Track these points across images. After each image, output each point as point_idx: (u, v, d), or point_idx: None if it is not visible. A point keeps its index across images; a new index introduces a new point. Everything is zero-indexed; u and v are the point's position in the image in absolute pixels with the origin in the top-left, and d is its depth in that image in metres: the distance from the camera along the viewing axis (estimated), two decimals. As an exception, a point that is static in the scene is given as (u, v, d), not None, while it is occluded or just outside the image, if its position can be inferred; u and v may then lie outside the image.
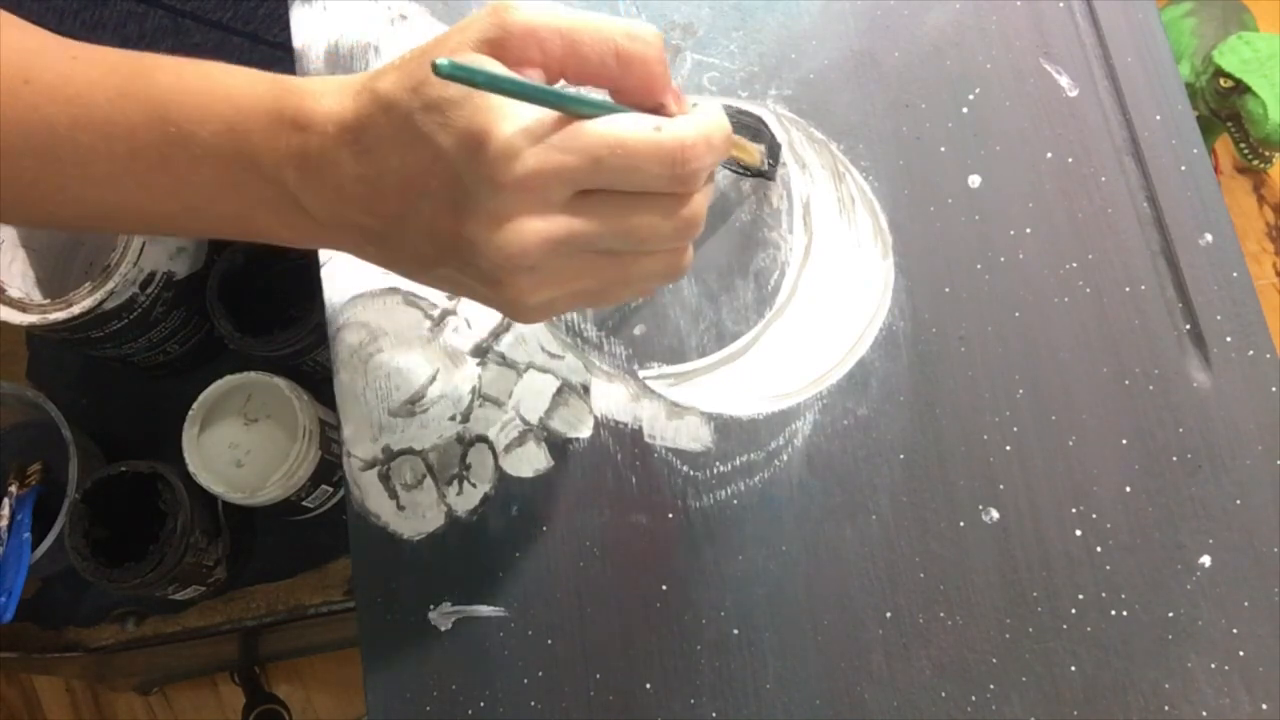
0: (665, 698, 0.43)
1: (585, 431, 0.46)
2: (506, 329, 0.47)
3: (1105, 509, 0.43)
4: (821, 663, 0.43)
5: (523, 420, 0.46)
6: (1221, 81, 1.04)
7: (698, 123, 0.34)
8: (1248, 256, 1.09)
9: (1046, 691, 0.42)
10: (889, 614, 0.43)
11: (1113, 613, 0.42)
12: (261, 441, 0.73)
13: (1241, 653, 0.42)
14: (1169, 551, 0.43)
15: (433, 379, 0.47)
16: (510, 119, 0.31)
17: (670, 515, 0.45)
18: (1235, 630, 0.42)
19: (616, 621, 0.44)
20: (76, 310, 0.70)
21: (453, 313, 0.47)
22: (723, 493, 0.45)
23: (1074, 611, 0.43)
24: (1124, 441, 0.44)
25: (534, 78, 0.33)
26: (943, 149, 0.48)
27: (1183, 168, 0.47)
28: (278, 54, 0.71)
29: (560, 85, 0.35)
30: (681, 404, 0.46)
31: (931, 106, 0.49)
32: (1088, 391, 0.45)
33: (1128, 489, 0.44)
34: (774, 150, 0.48)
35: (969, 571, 0.43)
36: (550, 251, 0.33)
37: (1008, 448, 0.44)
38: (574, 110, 0.33)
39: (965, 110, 0.48)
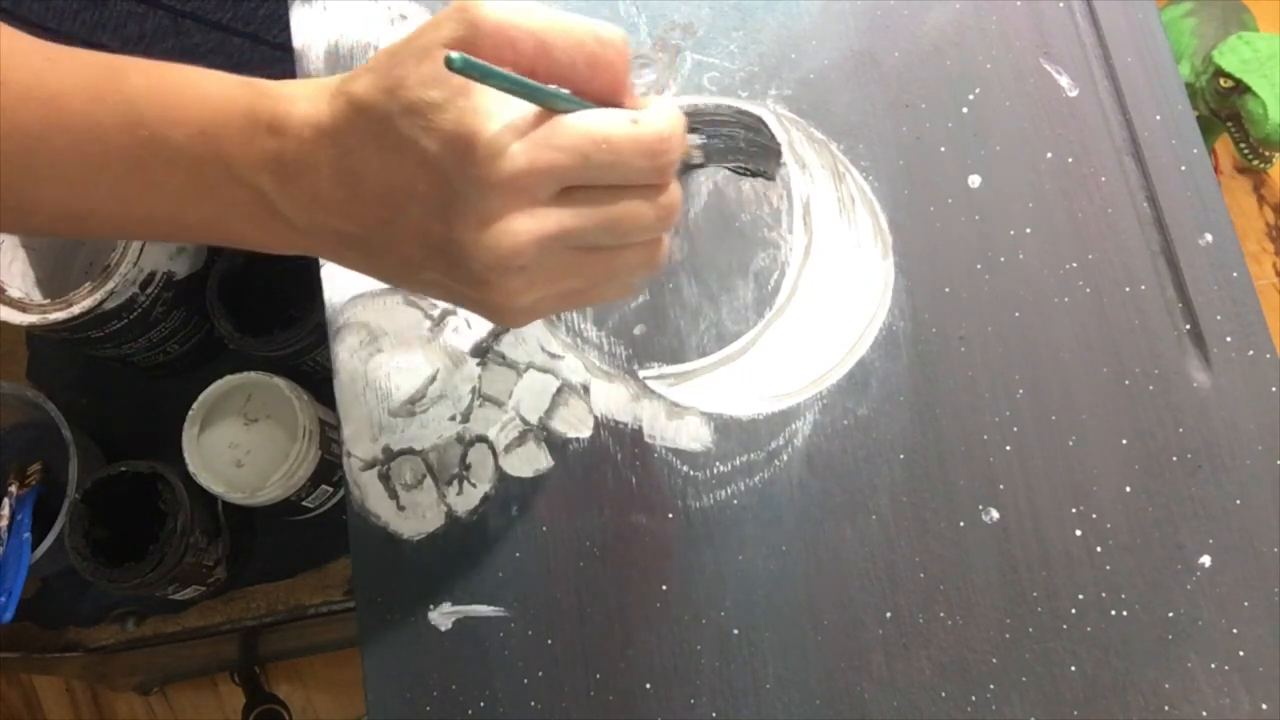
0: (665, 698, 0.43)
1: (585, 431, 0.46)
2: (507, 329, 0.47)
3: (1105, 509, 0.43)
4: (821, 663, 0.43)
5: (523, 420, 0.46)
6: (1221, 81, 1.04)
7: (666, 115, 0.34)
8: (1248, 256, 1.09)
9: (1046, 691, 0.42)
10: (889, 614, 0.43)
11: (1113, 613, 0.42)
12: (261, 441, 0.73)
13: (1241, 653, 0.42)
14: (1169, 551, 0.43)
15: (433, 379, 0.47)
16: (495, 118, 0.32)
17: (670, 515, 0.45)
18: (1235, 630, 0.42)
19: (616, 621, 0.44)
20: (76, 310, 0.70)
21: (453, 313, 0.47)
22: (723, 493, 0.45)
23: (1074, 611, 0.43)
24: (1124, 441, 0.44)
25: None
26: (943, 149, 0.48)
27: (1183, 168, 0.47)
28: (278, 55, 0.71)
29: None
30: (681, 404, 0.46)
31: (931, 106, 0.49)
32: (1088, 391, 0.45)
33: (1128, 489, 0.44)
34: (771, 151, 0.48)
35: (969, 571, 0.43)
36: (541, 249, 0.33)
37: (1008, 448, 0.44)
38: (562, 107, 0.33)
39: (965, 110, 0.48)
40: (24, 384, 0.83)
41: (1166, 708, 0.41)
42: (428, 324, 0.47)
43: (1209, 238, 0.46)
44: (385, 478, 0.46)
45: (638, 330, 0.47)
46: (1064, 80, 0.48)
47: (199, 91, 0.36)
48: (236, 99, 0.35)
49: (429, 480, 0.46)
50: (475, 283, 0.34)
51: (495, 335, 0.47)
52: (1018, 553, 0.43)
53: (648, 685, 0.43)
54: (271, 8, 0.69)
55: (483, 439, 0.46)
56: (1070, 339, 0.45)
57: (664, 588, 0.44)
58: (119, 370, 0.84)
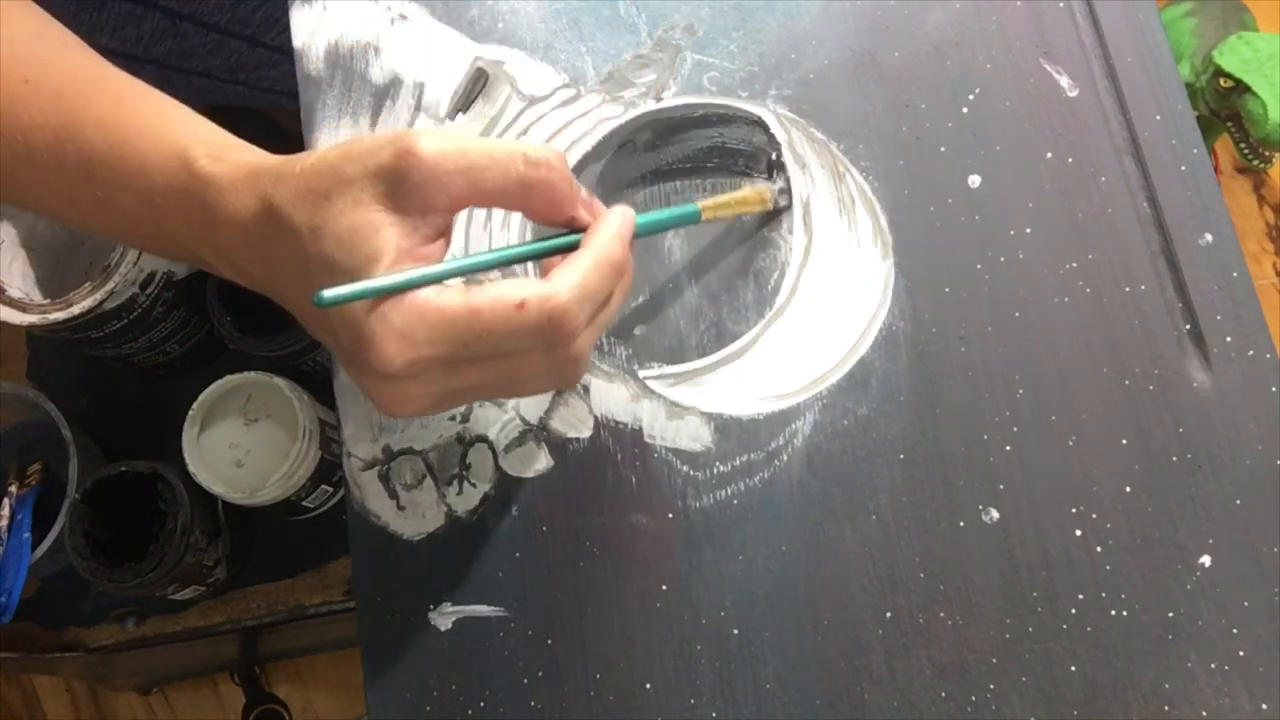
0: (665, 698, 0.43)
1: (585, 431, 0.46)
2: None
3: (1105, 509, 0.43)
4: (821, 663, 0.43)
5: (523, 420, 0.46)
6: (1221, 81, 1.04)
7: (571, 282, 0.36)
8: (1248, 256, 1.09)
9: (1046, 691, 0.42)
10: (889, 614, 0.43)
11: (1113, 613, 0.42)
12: (261, 441, 0.73)
13: (1241, 653, 0.42)
14: (1169, 551, 0.43)
15: (433, 379, 0.47)
16: (380, 321, 0.34)
17: (670, 515, 0.45)
18: (1235, 630, 0.42)
19: (616, 621, 0.44)
20: (76, 310, 0.70)
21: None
22: (723, 493, 0.45)
23: (1074, 611, 0.43)
24: (1124, 441, 0.44)
25: (435, 220, 0.36)
26: (943, 149, 0.48)
27: (1183, 168, 0.47)
28: (275, 57, 0.71)
29: None
30: (681, 404, 0.46)
31: (931, 106, 0.49)
32: (1088, 391, 0.45)
33: (1128, 489, 0.44)
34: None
35: (969, 571, 0.43)
36: (430, 403, 0.36)
37: (1008, 448, 0.44)
38: (460, 272, 0.35)
39: (965, 110, 0.48)
40: (24, 384, 0.83)
41: (1166, 708, 0.41)
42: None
43: (1209, 238, 0.46)
44: (385, 478, 0.46)
45: (638, 330, 0.47)
46: (1064, 80, 0.48)
47: (142, 163, 0.38)
48: (173, 177, 0.37)
49: (429, 480, 0.46)
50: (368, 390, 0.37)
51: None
52: (1018, 553, 0.43)
53: (648, 685, 0.43)
54: (269, 10, 0.69)
55: (483, 439, 0.46)
56: (1070, 339, 0.45)
57: (664, 588, 0.44)
58: (119, 370, 0.84)
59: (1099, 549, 0.43)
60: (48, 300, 0.71)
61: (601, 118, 0.49)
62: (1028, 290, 0.46)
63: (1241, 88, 1.03)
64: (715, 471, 0.45)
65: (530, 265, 0.46)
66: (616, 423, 0.46)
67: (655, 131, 0.49)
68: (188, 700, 1.15)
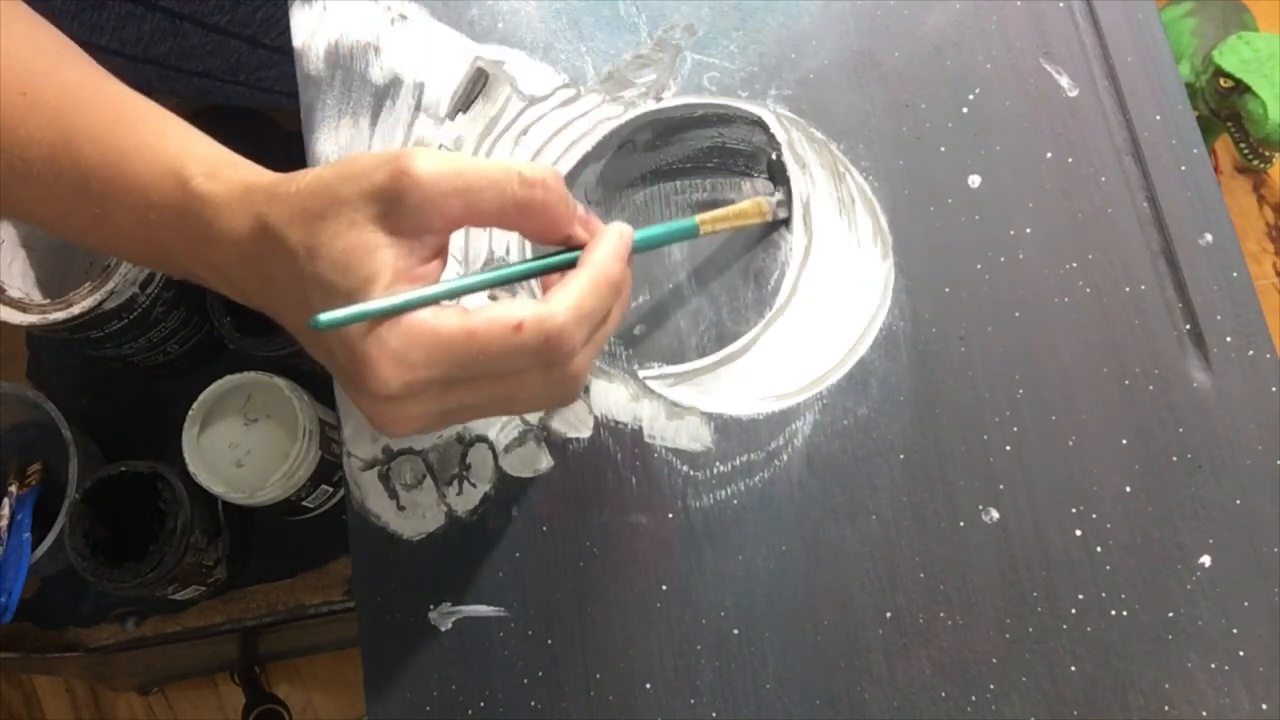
0: (665, 698, 0.43)
1: (585, 431, 0.46)
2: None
3: (1105, 509, 0.43)
4: (821, 663, 0.43)
5: (523, 420, 0.46)
6: (1221, 81, 1.04)
7: (569, 303, 0.36)
8: (1248, 256, 1.09)
9: (1046, 691, 0.42)
10: (889, 614, 0.43)
11: (1113, 613, 0.42)
12: (261, 441, 0.73)
13: (1241, 653, 0.42)
14: (1169, 551, 0.43)
15: (433, 379, 0.47)
16: (376, 343, 0.34)
17: (670, 515, 0.45)
18: (1235, 630, 0.42)
19: (616, 621, 0.44)
20: (76, 310, 0.70)
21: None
22: (723, 493, 0.45)
23: (1074, 611, 0.43)
24: (1124, 441, 0.44)
25: (431, 240, 0.36)
26: (943, 149, 0.48)
27: (1183, 168, 0.47)
28: (276, 57, 0.71)
29: None
30: (681, 404, 0.46)
31: (931, 106, 0.49)
32: (1088, 391, 0.45)
33: (1128, 489, 0.44)
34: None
35: (969, 571, 0.43)
36: (426, 422, 0.36)
37: (1008, 448, 0.44)
38: (456, 293, 0.35)
39: (965, 110, 0.48)
40: (24, 384, 0.83)
41: (1166, 708, 0.41)
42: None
43: (1209, 238, 0.46)
44: (385, 478, 0.46)
45: (638, 330, 0.47)
46: (1064, 80, 0.48)
47: (138, 179, 0.38)
48: (169, 195, 0.37)
49: (429, 480, 0.46)
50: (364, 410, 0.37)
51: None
52: (1018, 553, 0.43)
53: (648, 685, 0.43)
54: (269, 10, 0.69)
55: (483, 439, 0.46)
56: (1070, 339, 0.45)
57: (664, 588, 0.44)
58: (119, 370, 0.84)
59: (1099, 549, 0.43)
60: (48, 300, 0.71)
61: (601, 118, 0.49)
62: (1028, 290, 0.46)
63: (1241, 88, 1.03)
64: (715, 471, 0.45)
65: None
66: (616, 423, 0.46)
67: (655, 131, 0.49)
68: (188, 700, 1.15)
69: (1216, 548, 0.43)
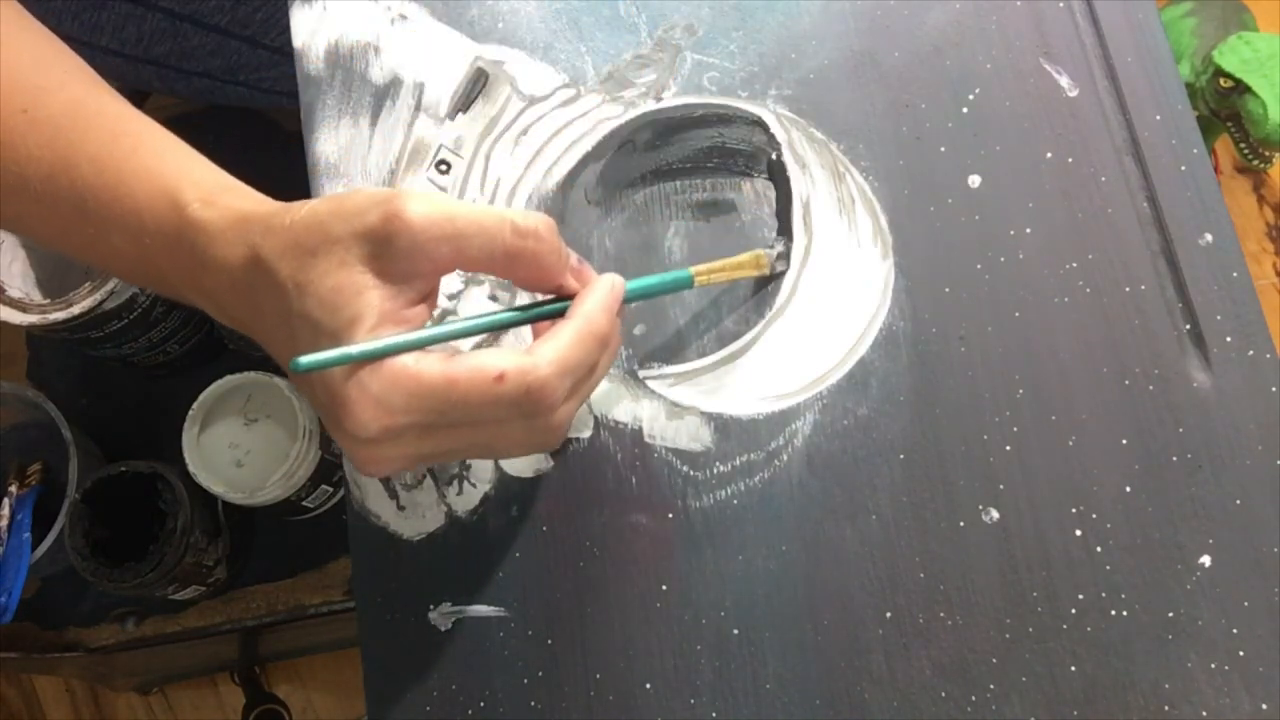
0: (665, 698, 0.43)
1: (585, 431, 0.46)
2: (506, 330, 0.47)
3: (1105, 509, 0.43)
4: (821, 663, 0.43)
5: (523, 420, 0.46)
6: (1221, 81, 1.04)
7: (552, 355, 0.35)
8: (1248, 256, 1.09)
9: (1046, 691, 0.42)
10: (889, 614, 0.43)
11: (1113, 613, 0.42)
12: (261, 441, 0.73)
13: (1241, 653, 0.42)
14: (1169, 551, 0.43)
15: (433, 379, 0.47)
16: (358, 386, 0.34)
17: (670, 515, 0.45)
18: (1235, 630, 0.42)
19: (616, 621, 0.44)
20: (76, 310, 0.70)
21: (453, 313, 0.47)
22: (723, 493, 0.45)
23: (1074, 611, 0.43)
24: (1124, 441, 0.44)
25: (420, 284, 0.36)
26: (943, 149, 0.48)
27: (1183, 168, 0.47)
28: (276, 58, 0.71)
29: None
30: (681, 404, 0.46)
31: (931, 106, 0.49)
32: (1088, 391, 0.45)
33: (1128, 489, 0.44)
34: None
35: (969, 571, 0.43)
36: (405, 464, 0.36)
37: (1008, 448, 0.44)
38: (440, 339, 0.35)
39: (965, 110, 0.48)
40: (24, 384, 0.83)
41: (1166, 708, 0.41)
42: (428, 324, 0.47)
43: (1209, 238, 0.46)
44: (385, 478, 0.46)
45: (638, 330, 0.47)
46: (1064, 80, 0.48)
47: (134, 203, 0.38)
48: (164, 220, 0.37)
49: (429, 480, 0.46)
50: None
51: (496, 336, 0.47)
52: (1018, 553, 0.43)
53: (648, 685, 0.43)
54: (269, 11, 0.69)
55: (483, 439, 0.46)
56: (1070, 339, 0.45)
57: (664, 588, 0.44)
58: (119, 370, 0.84)
59: (1099, 549, 0.43)
60: (48, 300, 0.71)
61: (601, 118, 0.49)
62: (1028, 290, 0.46)
63: (1241, 88, 1.03)
64: (715, 471, 0.45)
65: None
66: (616, 423, 0.46)
67: (655, 131, 0.49)
68: (188, 700, 1.15)
69: (1216, 548, 0.43)
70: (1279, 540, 0.43)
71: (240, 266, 0.35)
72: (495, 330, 0.38)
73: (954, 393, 0.45)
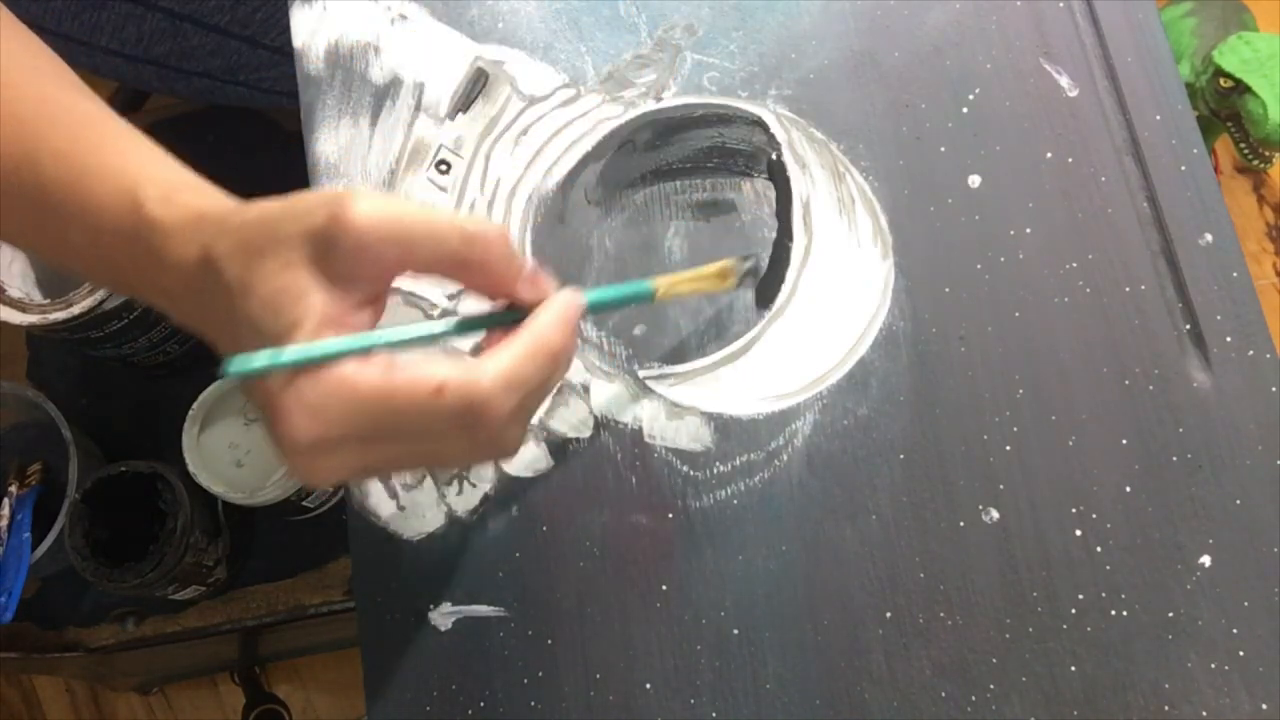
0: (665, 698, 0.43)
1: (585, 431, 0.46)
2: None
3: (1105, 509, 0.43)
4: (821, 663, 0.43)
5: (523, 420, 0.46)
6: (1221, 81, 1.04)
7: (497, 370, 0.34)
8: (1248, 256, 1.09)
9: (1046, 691, 0.42)
10: (889, 614, 0.43)
11: (1113, 613, 0.42)
12: (261, 441, 0.73)
13: (1241, 653, 0.42)
14: (1169, 551, 0.43)
15: (433, 379, 0.47)
16: (294, 394, 0.32)
17: (670, 515, 0.45)
18: (1235, 630, 0.42)
19: (616, 621, 0.44)
20: (76, 310, 0.70)
21: (453, 313, 0.47)
22: (723, 493, 0.45)
23: (1074, 611, 0.43)
24: (1124, 441, 0.44)
25: (366, 287, 0.34)
26: (943, 149, 0.48)
27: (1183, 168, 0.47)
28: (276, 58, 0.71)
29: None
30: (681, 404, 0.46)
31: (931, 106, 0.49)
32: (1088, 391, 0.45)
33: (1128, 489, 0.44)
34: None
35: (969, 571, 0.43)
36: (344, 475, 0.35)
37: (1008, 448, 0.44)
38: (377, 345, 0.34)
39: (965, 110, 0.48)
40: (24, 384, 0.83)
41: (1166, 708, 0.41)
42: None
43: (1209, 238, 0.46)
44: (385, 479, 0.46)
45: (638, 330, 0.47)
46: (1064, 80, 0.48)
47: (95, 200, 0.37)
48: (122, 218, 0.36)
49: (429, 480, 0.46)
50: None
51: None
52: (1018, 553, 0.43)
53: (648, 685, 0.43)
54: (269, 11, 0.69)
55: (483, 439, 0.46)
56: (1070, 339, 0.45)
57: (664, 588, 0.44)
58: (119, 370, 0.84)
59: (1099, 549, 0.43)
60: (48, 300, 0.71)
61: (601, 118, 0.49)
62: (1028, 290, 0.46)
63: (1241, 88, 1.03)
64: (715, 471, 0.45)
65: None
66: (616, 423, 0.46)
67: (655, 131, 0.49)
68: (188, 700, 1.15)
69: (1216, 548, 0.43)
70: (1279, 540, 0.43)
71: (193, 266, 0.34)
72: (437, 340, 0.36)
73: (954, 393, 0.45)
